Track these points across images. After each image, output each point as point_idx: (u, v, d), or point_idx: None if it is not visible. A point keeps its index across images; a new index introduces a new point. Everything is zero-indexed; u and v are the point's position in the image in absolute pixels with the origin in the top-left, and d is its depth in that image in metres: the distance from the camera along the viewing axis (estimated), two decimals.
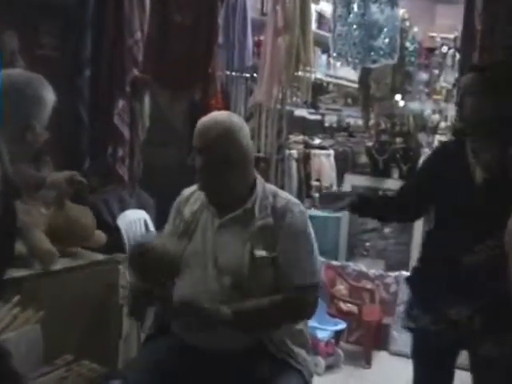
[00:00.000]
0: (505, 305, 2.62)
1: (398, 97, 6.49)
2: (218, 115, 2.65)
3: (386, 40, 4.14)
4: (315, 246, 2.60)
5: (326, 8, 6.89)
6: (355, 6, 4.20)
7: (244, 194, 2.58)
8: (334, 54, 4.44)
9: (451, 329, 2.73)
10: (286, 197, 2.67)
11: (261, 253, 2.49)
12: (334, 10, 4.36)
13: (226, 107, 5.44)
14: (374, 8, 4.13)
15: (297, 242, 2.52)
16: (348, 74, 7.39)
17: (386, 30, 4.13)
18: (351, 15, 4.23)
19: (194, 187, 2.75)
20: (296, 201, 2.67)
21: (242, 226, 2.54)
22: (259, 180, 2.65)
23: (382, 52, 4.19)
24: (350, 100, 7.99)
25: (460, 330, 2.72)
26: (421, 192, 2.88)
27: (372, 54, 4.24)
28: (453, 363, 2.92)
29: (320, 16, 6.77)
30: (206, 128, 2.52)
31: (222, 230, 2.56)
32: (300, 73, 4.49)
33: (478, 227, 2.62)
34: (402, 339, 5.03)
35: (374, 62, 4.35)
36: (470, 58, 3.98)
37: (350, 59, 4.35)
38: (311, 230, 2.60)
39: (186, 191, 2.78)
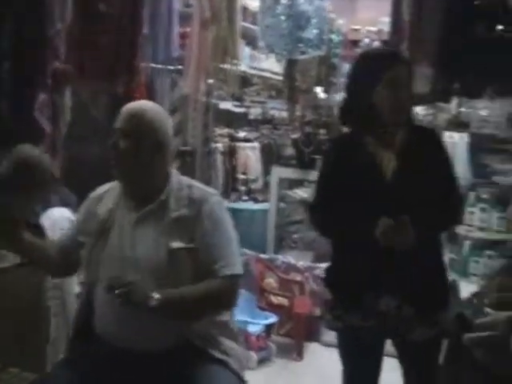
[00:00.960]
0: (430, 288, 2.72)
1: (318, 89, 6.51)
2: (146, 102, 2.70)
3: (315, 31, 4.11)
4: (235, 235, 2.58)
5: (249, 1, 6.86)
6: None
7: (160, 186, 2.55)
8: (263, 45, 4.39)
9: (381, 321, 2.74)
10: (202, 187, 2.65)
11: (178, 244, 2.45)
12: (263, 2, 4.31)
13: (151, 100, 5.33)
14: None
15: (217, 231, 2.50)
16: (272, 67, 7.38)
17: (314, 21, 4.10)
18: (279, 6, 4.19)
19: (106, 186, 2.71)
20: (212, 191, 2.67)
21: (157, 219, 2.51)
22: (174, 172, 2.63)
23: (310, 43, 4.16)
24: (274, 92, 7.97)
25: (389, 320, 2.73)
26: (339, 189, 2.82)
27: (300, 45, 4.21)
28: (382, 352, 2.93)
29: (244, 8, 6.72)
30: (135, 111, 2.51)
31: (138, 225, 2.51)
32: (227, 65, 4.42)
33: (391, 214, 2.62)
34: None
35: (303, 53, 4.33)
36: (398, 49, 4.00)
37: (278, 50, 4.32)
38: (230, 220, 2.59)
39: (100, 190, 2.73)
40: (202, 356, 2.46)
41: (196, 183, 2.68)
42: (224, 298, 2.50)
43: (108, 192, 2.68)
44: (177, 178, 2.62)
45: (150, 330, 2.42)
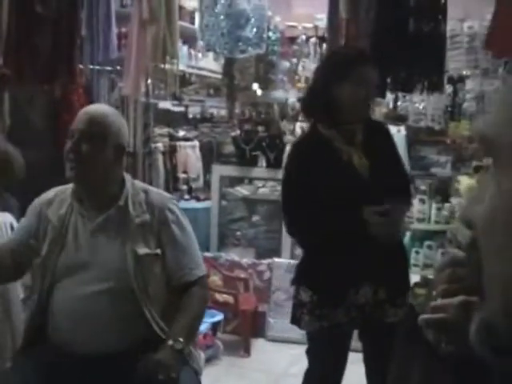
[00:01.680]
0: (398, 272, 2.94)
1: (255, 86, 6.54)
2: (104, 106, 2.84)
3: (254, 30, 4.15)
4: (194, 236, 2.66)
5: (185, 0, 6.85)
6: None
7: (115, 191, 2.56)
8: (203, 45, 4.40)
9: (361, 312, 2.84)
10: (159, 192, 2.73)
11: (144, 250, 2.48)
12: (201, 1, 4.32)
13: (89, 102, 5.30)
14: None
15: (182, 236, 2.56)
16: (209, 65, 7.39)
17: (253, 19, 4.13)
18: (218, 6, 4.20)
19: (53, 191, 2.70)
20: (168, 195, 2.77)
21: (118, 226, 2.52)
22: (127, 177, 2.64)
23: (250, 42, 4.19)
24: (212, 91, 7.97)
25: (368, 309, 2.84)
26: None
27: (240, 44, 4.24)
28: (350, 344, 3.01)
29: (180, 8, 6.70)
30: (97, 115, 2.53)
31: (96, 234, 2.52)
32: (166, 65, 4.42)
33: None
34: (278, 325, 5.12)
35: (243, 52, 4.35)
36: (337, 46, 4.07)
37: (218, 50, 4.34)
38: (188, 222, 2.65)
39: (47, 194, 2.72)
40: None
41: (150, 187, 2.73)
42: (205, 301, 2.64)
43: (57, 197, 2.66)
44: (130, 182, 2.63)
45: (109, 331, 2.42)
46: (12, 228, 4.21)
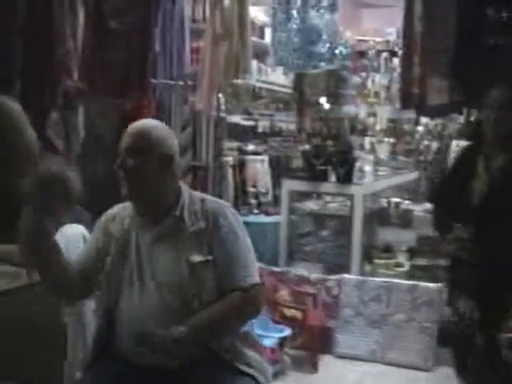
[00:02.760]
0: None
1: (323, 100, 6.53)
2: (148, 120, 2.73)
3: (326, 45, 4.13)
4: (251, 246, 2.60)
5: (255, 14, 6.89)
6: (294, 12, 4.18)
7: (172, 202, 2.57)
8: (275, 61, 4.41)
9: None
10: (215, 200, 2.69)
11: (197, 258, 2.47)
12: (274, 17, 4.33)
13: (161, 116, 5.36)
14: (313, 13, 4.12)
15: (236, 242, 2.52)
16: (279, 79, 7.41)
17: (325, 35, 4.12)
18: (290, 21, 4.20)
19: (117, 207, 2.73)
20: (225, 203, 2.71)
21: (174, 236, 2.53)
22: (184, 187, 2.65)
23: (322, 57, 4.18)
24: (281, 105, 7.99)
25: None
26: None
27: (312, 59, 4.23)
28: None
29: (252, 22, 6.75)
30: (139, 130, 2.54)
31: (155, 244, 2.53)
32: (239, 80, 4.45)
33: None
34: (346, 341, 5.07)
35: (315, 67, 4.34)
36: (411, 60, 4.02)
37: (290, 65, 4.34)
38: (246, 231, 2.61)
39: (112, 210, 2.74)
40: (229, 369, 2.47)
41: (208, 196, 2.71)
42: (250, 308, 2.52)
43: (120, 213, 2.69)
44: (187, 192, 2.64)
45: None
46: (84, 239, 4.30)
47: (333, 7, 4.12)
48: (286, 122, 8.02)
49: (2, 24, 4.37)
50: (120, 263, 2.57)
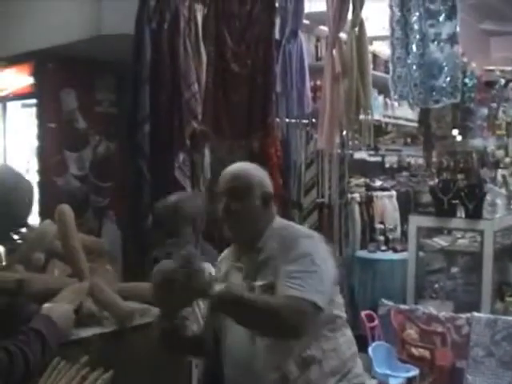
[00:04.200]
0: None
1: (455, 132, 6.39)
2: (240, 164, 2.72)
3: (448, 79, 4.05)
4: (320, 269, 2.43)
5: (380, 48, 6.87)
6: (414, 47, 4.13)
7: (258, 234, 2.57)
8: (395, 97, 4.36)
9: None
10: (298, 228, 2.67)
11: (259, 283, 2.44)
12: (393, 52, 4.30)
13: (286, 155, 5.42)
14: (433, 47, 4.06)
15: (297, 263, 2.41)
16: (406, 114, 7.33)
17: (446, 68, 4.04)
18: (410, 56, 4.16)
19: (226, 251, 2.78)
20: (307, 230, 2.69)
21: (251, 265, 2.53)
22: (277, 219, 2.64)
23: (444, 92, 4.10)
24: (409, 139, 7.89)
25: None
26: None
27: (434, 94, 4.15)
28: None
29: (374, 56, 6.74)
30: (236, 171, 2.58)
31: (245, 278, 2.54)
32: (360, 116, 4.43)
33: None
34: (477, 383, 4.88)
35: (437, 102, 4.25)
36: None
37: (411, 101, 4.28)
38: (319, 255, 2.46)
39: (223, 254, 2.80)
40: None
41: (294, 225, 2.71)
42: (285, 317, 2.31)
43: (225, 256, 2.77)
44: (278, 224, 2.65)
45: (255, 368, 2.43)
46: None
47: (453, 40, 4.03)
48: (414, 156, 7.92)
49: (132, 73, 4.60)
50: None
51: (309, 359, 2.45)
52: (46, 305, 2.05)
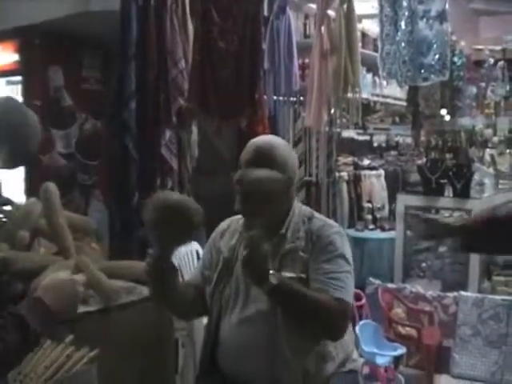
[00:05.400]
0: None
1: (443, 111, 6.37)
2: (273, 137, 2.69)
3: (436, 56, 4.02)
4: (351, 269, 2.52)
5: (369, 26, 6.83)
6: (403, 24, 4.10)
7: (282, 219, 2.54)
8: (384, 74, 4.33)
9: None
10: (323, 219, 2.62)
11: (288, 274, 2.42)
12: (381, 30, 4.26)
13: (274, 133, 5.39)
14: (422, 24, 4.02)
15: (331, 262, 2.45)
16: (394, 92, 7.31)
17: (435, 46, 4.01)
18: (399, 33, 4.12)
19: (227, 221, 2.74)
20: (333, 223, 2.63)
21: (275, 253, 2.47)
22: (296, 204, 2.61)
23: (432, 69, 4.06)
24: (397, 118, 7.87)
25: None
26: None
27: (422, 71, 4.12)
28: None
29: (363, 35, 6.70)
30: (264, 146, 2.51)
31: None
32: (349, 94, 4.40)
33: None
34: (464, 362, 4.89)
35: (425, 79, 4.22)
36: None
37: (400, 78, 4.24)
38: (349, 253, 2.54)
39: (223, 224, 2.76)
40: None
41: (317, 215, 2.65)
42: (333, 318, 2.39)
43: (230, 227, 2.70)
44: (298, 209, 2.60)
45: (276, 364, 2.41)
46: (198, 255, 4.37)
47: (442, 17, 4.00)
48: (403, 135, 7.91)
49: (118, 50, 4.55)
50: (224, 279, 2.58)
51: (326, 356, 2.46)
52: (47, 279, 1.99)
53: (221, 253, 2.64)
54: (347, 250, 2.54)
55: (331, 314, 2.37)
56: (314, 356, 2.44)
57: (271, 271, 2.26)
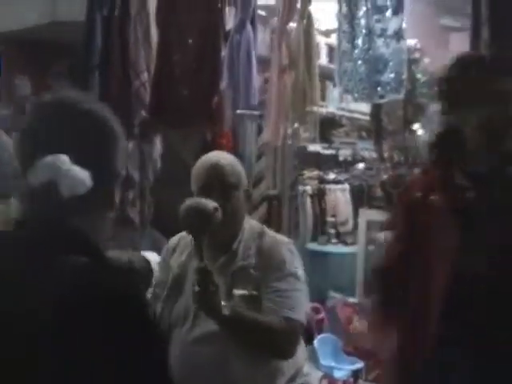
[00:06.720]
0: None
1: (415, 126, 6.40)
2: (221, 154, 2.71)
3: (392, 75, 4.05)
4: (304, 286, 2.55)
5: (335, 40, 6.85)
6: (360, 41, 4.13)
7: (234, 235, 2.56)
8: (340, 91, 4.36)
9: None
10: (273, 236, 2.65)
11: (239, 292, 2.43)
12: (339, 46, 4.30)
13: (237, 146, 5.41)
14: (379, 42, 4.05)
15: (284, 281, 2.48)
16: (360, 107, 7.32)
17: (391, 63, 4.04)
18: (356, 50, 4.16)
19: (177, 237, 2.74)
20: (284, 239, 2.66)
21: (225, 270, 2.51)
22: (246, 220, 2.63)
23: (388, 87, 4.10)
24: (364, 133, 7.90)
25: None
26: None
27: (379, 89, 4.14)
28: None
29: (331, 49, 6.72)
30: (216, 165, 2.52)
31: None
32: (307, 109, 4.42)
33: None
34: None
35: (382, 97, 4.25)
36: None
37: (356, 95, 4.28)
38: (301, 270, 2.57)
39: (173, 240, 2.75)
40: None
41: (268, 231, 2.66)
42: (284, 340, 2.43)
43: (181, 242, 2.70)
44: (249, 225, 2.61)
45: (227, 382, 2.41)
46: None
47: (399, 35, 4.03)
48: (370, 150, 7.92)
49: (82, 60, 4.56)
50: (173, 296, 2.58)
51: (277, 372, 2.47)
52: None
53: (171, 269, 2.64)
54: (298, 266, 2.56)
55: (282, 338, 2.41)
56: (264, 373, 2.45)
57: (223, 302, 2.27)
